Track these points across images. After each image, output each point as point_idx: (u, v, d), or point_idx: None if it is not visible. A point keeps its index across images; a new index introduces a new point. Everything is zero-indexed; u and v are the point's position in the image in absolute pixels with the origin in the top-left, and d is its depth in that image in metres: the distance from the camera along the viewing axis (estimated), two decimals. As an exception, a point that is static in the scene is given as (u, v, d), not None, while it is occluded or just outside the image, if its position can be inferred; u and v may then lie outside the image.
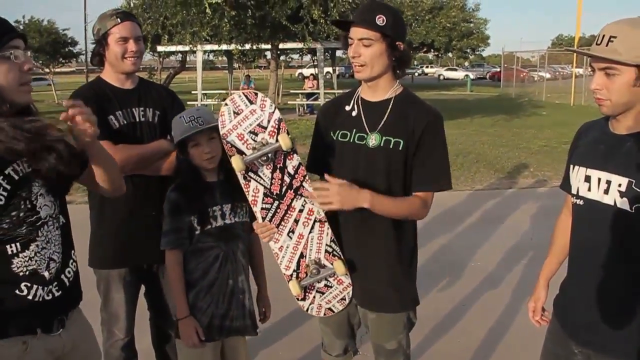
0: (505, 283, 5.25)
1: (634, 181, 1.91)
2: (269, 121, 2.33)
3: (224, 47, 11.45)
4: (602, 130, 2.11)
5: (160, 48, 23.66)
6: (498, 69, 45.76)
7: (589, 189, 2.06)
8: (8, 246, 1.78)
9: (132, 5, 11.94)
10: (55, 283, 1.91)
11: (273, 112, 2.35)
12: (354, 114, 2.47)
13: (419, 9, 30.17)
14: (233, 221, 2.61)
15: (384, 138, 2.38)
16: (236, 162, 2.25)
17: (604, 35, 1.89)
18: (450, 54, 45.06)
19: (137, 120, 2.86)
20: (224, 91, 26.17)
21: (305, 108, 22.20)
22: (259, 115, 2.33)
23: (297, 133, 15.38)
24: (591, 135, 2.18)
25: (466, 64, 65.98)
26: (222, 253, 2.59)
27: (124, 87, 2.88)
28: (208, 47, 18.96)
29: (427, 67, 70.91)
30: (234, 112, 2.33)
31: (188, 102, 23.18)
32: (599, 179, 2.02)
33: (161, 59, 29.17)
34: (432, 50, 42.16)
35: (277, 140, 2.29)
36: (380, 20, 2.28)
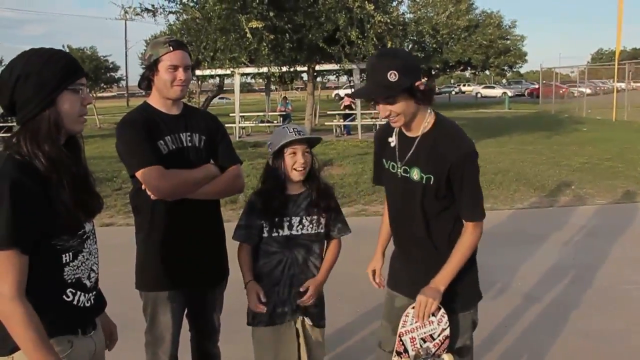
0: (546, 304, 5.18)
1: None
2: (439, 335, 2.62)
3: (262, 69, 11.55)
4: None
5: (198, 72, 24.14)
6: (536, 86, 45.24)
7: None
8: (64, 255, 1.98)
9: (172, 30, 12.13)
10: (94, 292, 2.15)
11: (445, 329, 2.62)
12: (392, 144, 2.67)
13: (455, 27, 30.02)
14: (300, 233, 2.89)
15: (423, 175, 2.55)
16: None
17: None
18: (487, 72, 44.75)
19: (185, 145, 2.89)
20: (262, 113, 26.48)
21: (342, 129, 22.31)
22: (435, 327, 2.61)
23: (335, 154, 15.46)
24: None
25: (504, 81, 65.46)
26: (286, 259, 2.90)
27: (170, 113, 2.93)
28: (246, 70, 19.23)
29: (464, 85, 70.61)
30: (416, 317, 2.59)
31: (226, 125, 23.48)
32: None
33: (199, 82, 29.65)
34: (469, 68, 41.94)
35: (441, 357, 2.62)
36: (392, 76, 2.36)
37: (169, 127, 2.88)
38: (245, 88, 57.14)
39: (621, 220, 7.95)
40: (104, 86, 34.60)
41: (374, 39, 9.89)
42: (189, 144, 2.92)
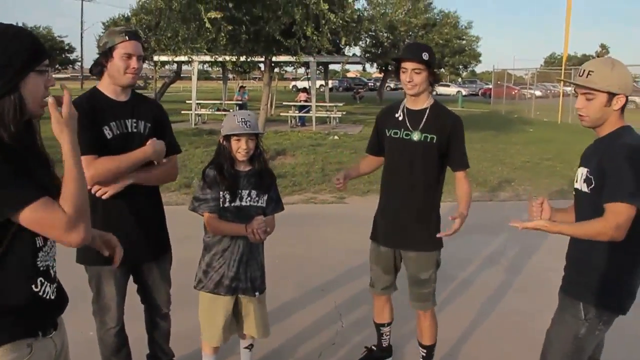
0: (476, 287, 5.63)
1: None
2: None
3: (219, 58, 11.71)
4: None
5: (156, 58, 24.02)
6: (490, 86, 46.25)
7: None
8: (37, 238, 1.85)
9: (133, 12, 11.95)
10: (56, 284, 1.99)
11: None
12: (400, 118, 3.58)
13: (412, 25, 30.58)
14: (248, 204, 3.30)
15: (423, 135, 3.49)
16: None
17: (584, 70, 2.66)
18: (443, 70, 45.57)
19: (130, 131, 3.12)
20: (218, 101, 26.52)
21: (297, 120, 22.60)
22: None
23: (288, 144, 15.74)
24: None
25: (459, 80, 66.58)
26: None
27: (118, 99, 3.13)
28: (203, 58, 19.31)
29: (420, 82, 71.13)
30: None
31: (182, 112, 23.57)
32: None
33: (156, 68, 29.44)
34: (424, 66, 42.35)
35: None
36: (425, 55, 3.38)
37: (115, 113, 3.08)
38: (203, 76, 56.70)
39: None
40: (59, 67, 33.93)
41: (328, 34, 10.21)
42: (134, 130, 3.15)
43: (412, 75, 3.40)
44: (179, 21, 10.36)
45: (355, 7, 11.51)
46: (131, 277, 3.40)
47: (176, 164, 3.39)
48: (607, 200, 2.49)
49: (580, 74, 2.64)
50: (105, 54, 3.03)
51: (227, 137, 3.25)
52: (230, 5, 9.96)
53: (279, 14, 10.13)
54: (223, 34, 10.07)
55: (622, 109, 2.64)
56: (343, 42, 10.77)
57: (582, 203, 2.76)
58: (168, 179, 3.38)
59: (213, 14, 9.69)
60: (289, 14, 10.03)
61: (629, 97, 2.64)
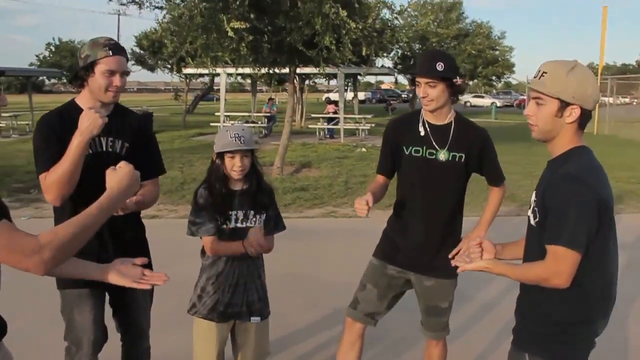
0: (493, 308, 5.35)
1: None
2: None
3: (241, 70, 11.58)
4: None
5: (186, 70, 24.19)
6: (525, 97, 45.55)
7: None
8: None
9: (161, 27, 11.69)
10: None
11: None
12: (422, 134, 3.18)
13: (444, 35, 30.24)
14: (244, 226, 3.06)
15: (451, 154, 3.15)
16: None
17: (539, 71, 2.22)
18: (475, 81, 45.00)
19: (104, 150, 2.86)
20: (247, 113, 26.52)
21: (326, 132, 22.48)
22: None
23: (315, 156, 15.61)
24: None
25: (494, 91, 65.79)
26: None
27: None
28: (229, 70, 19.31)
29: (454, 93, 70.63)
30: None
31: (211, 124, 23.64)
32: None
33: (187, 81, 29.66)
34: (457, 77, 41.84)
35: None
36: (440, 66, 2.98)
37: None
38: (237, 88, 57.07)
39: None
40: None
41: (349, 45, 10.01)
42: (110, 150, 2.87)
43: (426, 89, 3.03)
44: (199, 30, 10.26)
45: (381, 16, 11.22)
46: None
47: (158, 185, 3.11)
48: (548, 241, 2.18)
49: (535, 75, 2.26)
50: (86, 68, 2.77)
51: (221, 155, 3.00)
52: (252, 16, 9.85)
53: (301, 24, 9.98)
54: (244, 45, 9.95)
55: (581, 125, 2.25)
56: (364, 53, 10.47)
57: (530, 234, 2.44)
58: (152, 203, 3.06)
59: (236, 24, 9.58)
60: (311, 25, 9.87)
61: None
